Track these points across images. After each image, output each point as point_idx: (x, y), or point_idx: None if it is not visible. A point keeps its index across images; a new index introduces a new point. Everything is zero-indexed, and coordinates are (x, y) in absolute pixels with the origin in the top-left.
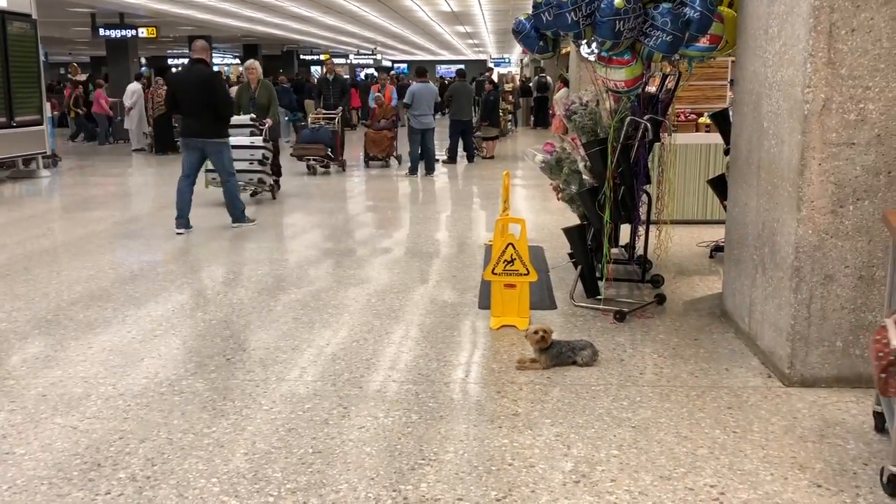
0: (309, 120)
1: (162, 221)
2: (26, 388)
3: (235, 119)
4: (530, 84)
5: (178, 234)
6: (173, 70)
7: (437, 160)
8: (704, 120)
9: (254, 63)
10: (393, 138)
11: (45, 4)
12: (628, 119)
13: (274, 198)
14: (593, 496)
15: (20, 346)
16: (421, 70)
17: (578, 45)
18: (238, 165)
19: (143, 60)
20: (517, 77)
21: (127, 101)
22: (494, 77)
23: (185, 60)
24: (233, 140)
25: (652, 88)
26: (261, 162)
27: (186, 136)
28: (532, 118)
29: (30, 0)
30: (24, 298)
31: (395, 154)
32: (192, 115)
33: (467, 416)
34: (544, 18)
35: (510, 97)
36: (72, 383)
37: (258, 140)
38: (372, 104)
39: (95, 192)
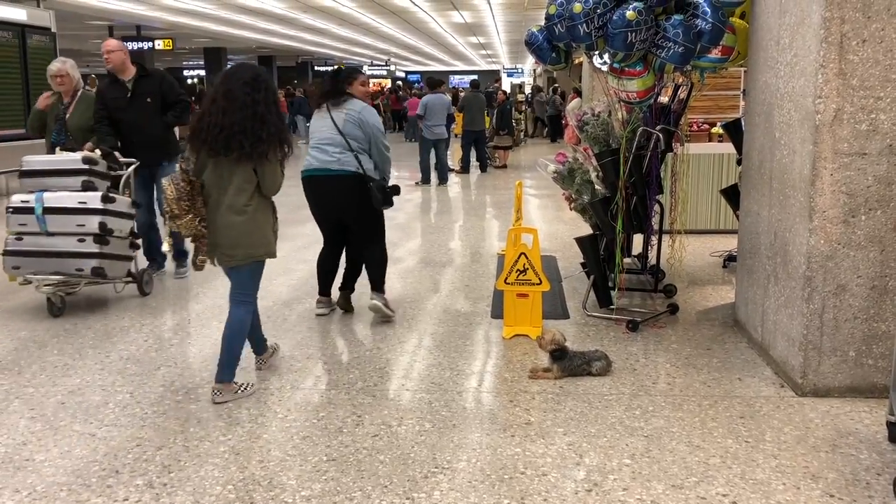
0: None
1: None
2: (46, 396)
3: (51, 159)
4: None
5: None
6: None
7: (452, 170)
8: (717, 130)
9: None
10: None
11: (64, 17)
12: (640, 129)
13: (144, 293)
14: None
15: (39, 354)
16: (434, 81)
17: (591, 57)
18: (61, 243)
19: None
20: (527, 86)
21: None
22: (502, 86)
23: (201, 72)
24: (49, 198)
25: (664, 99)
26: (99, 238)
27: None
28: (546, 129)
29: (49, 14)
30: (42, 308)
31: None
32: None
33: (480, 424)
34: (557, 30)
35: (522, 106)
36: (90, 391)
37: (94, 198)
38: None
39: None
